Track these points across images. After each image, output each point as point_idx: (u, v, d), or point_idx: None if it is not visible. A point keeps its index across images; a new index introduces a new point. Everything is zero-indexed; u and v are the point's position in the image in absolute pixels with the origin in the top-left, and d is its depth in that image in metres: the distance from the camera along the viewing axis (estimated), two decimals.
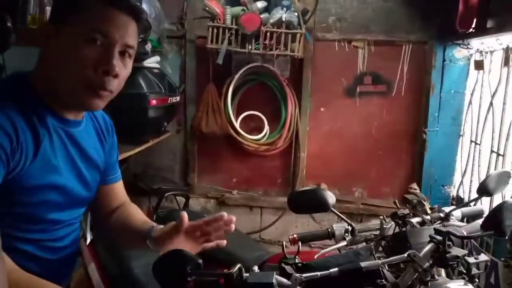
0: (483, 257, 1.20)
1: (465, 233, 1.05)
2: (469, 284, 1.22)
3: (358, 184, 2.85)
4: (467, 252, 1.01)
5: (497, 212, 0.96)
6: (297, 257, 1.09)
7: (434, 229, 1.06)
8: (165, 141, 2.78)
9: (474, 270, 1.21)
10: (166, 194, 2.50)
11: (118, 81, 0.89)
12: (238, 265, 0.90)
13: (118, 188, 1.13)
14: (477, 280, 1.19)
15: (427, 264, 0.98)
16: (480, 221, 1.16)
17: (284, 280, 0.92)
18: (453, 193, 2.48)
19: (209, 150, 2.95)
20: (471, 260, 1.18)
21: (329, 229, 1.42)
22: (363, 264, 0.96)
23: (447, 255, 0.97)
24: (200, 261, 0.88)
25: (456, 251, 0.98)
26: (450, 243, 0.99)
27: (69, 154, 0.92)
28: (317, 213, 2.78)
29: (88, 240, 1.63)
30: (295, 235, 1.45)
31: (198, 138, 2.91)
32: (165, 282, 0.89)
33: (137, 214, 1.14)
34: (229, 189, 2.98)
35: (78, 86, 0.85)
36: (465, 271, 1.24)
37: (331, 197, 1.36)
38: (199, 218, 1.06)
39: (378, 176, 2.82)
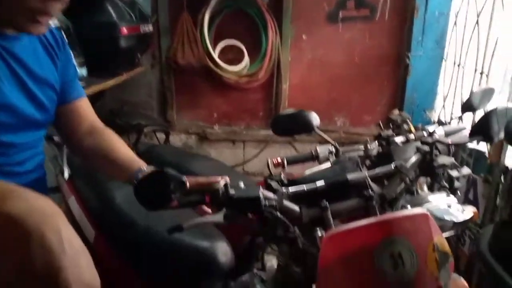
0: (465, 170, 1.21)
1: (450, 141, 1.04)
2: (451, 195, 1.24)
3: (340, 113, 2.83)
4: (453, 160, 1.00)
5: (486, 118, 0.95)
6: (282, 174, 1.07)
7: (421, 141, 1.05)
8: (141, 76, 2.66)
9: (456, 184, 1.23)
10: (145, 130, 2.44)
11: (61, 3, 0.80)
12: (224, 181, 0.87)
13: (83, 107, 1.06)
14: (459, 193, 1.21)
15: (413, 174, 0.97)
16: (465, 132, 1.15)
17: (271, 195, 0.90)
18: (435, 118, 2.49)
19: (188, 85, 2.84)
20: (454, 173, 1.19)
21: (313, 152, 1.40)
22: (349, 176, 0.94)
23: (434, 163, 0.96)
24: (184, 179, 0.84)
25: (443, 159, 0.98)
26: (437, 152, 0.99)
27: (13, 71, 0.85)
28: (300, 143, 2.80)
29: (66, 176, 1.58)
30: (279, 158, 1.43)
31: (175, 72, 2.79)
32: (148, 203, 0.86)
33: (121, 148, 1.07)
34: (210, 124, 2.93)
35: (19, 10, 0.77)
36: (447, 186, 1.25)
37: (315, 119, 1.33)
38: (181, 154, 1.02)
39: (361, 104, 2.80)
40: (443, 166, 0.97)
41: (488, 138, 0.96)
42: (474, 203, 1.76)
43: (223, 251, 1.26)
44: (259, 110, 2.89)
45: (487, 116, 0.94)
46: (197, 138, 2.90)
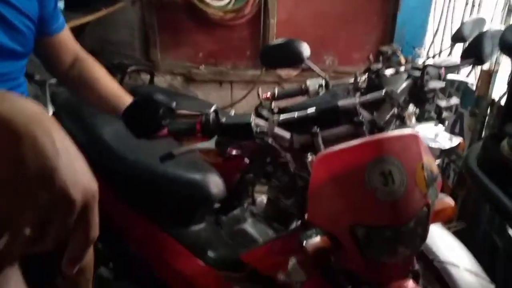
0: (454, 100, 1.21)
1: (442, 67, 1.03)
2: (439, 124, 1.25)
3: (329, 52, 2.78)
4: (444, 84, 1.00)
5: (478, 39, 0.94)
6: (273, 104, 1.06)
7: (412, 66, 1.04)
8: (121, 14, 2.53)
9: (444, 114, 1.24)
10: (128, 70, 2.36)
11: None
12: (214, 107, 0.86)
13: (65, 38, 1.02)
14: (446, 124, 1.22)
15: (403, 99, 0.97)
16: (455, 59, 1.14)
17: (262, 122, 0.89)
18: (424, 54, 2.47)
19: (171, 23, 2.72)
20: (442, 103, 1.20)
21: (303, 85, 1.39)
22: (340, 102, 0.94)
23: (425, 88, 0.96)
24: (174, 104, 0.83)
25: (434, 83, 0.97)
26: (428, 77, 0.98)
27: None
28: (289, 83, 2.76)
29: (50, 114, 1.54)
30: (268, 93, 1.41)
31: (157, 9, 2.66)
32: (137, 130, 0.84)
33: (105, 78, 1.06)
34: (195, 64, 2.85)
35: None
36: (435, 116, 1.26)
37: (305, 49, 1.29)
38: (167, 95, 0.99)
39: (349, 42, 2.74)
40: (434, 90, 0.96)
41: (479, 60, 0.95)
42: (460, 136, 1.79)
43: (215, 183, 1.28)
44: (246, 48, 2.81)
45: (479, 38, 0.93)
46: (183, 79, 2.84)
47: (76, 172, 0.39)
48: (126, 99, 1.01)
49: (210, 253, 1.21)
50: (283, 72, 2.68)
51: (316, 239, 0.79)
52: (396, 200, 0.72)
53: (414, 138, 0.78)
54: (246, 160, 1.74)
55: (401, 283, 0.87)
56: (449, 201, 0.89)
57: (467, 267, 1.15)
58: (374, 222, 0.73)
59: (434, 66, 0.99)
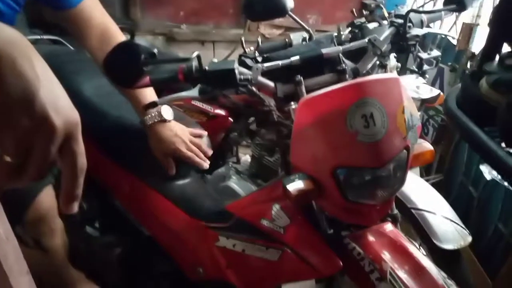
0: (435, 52, 1.22)
1: (424, 16, 1.03)
2: (420, 77, 1.27)
3: (313, 11, 2.74)
4: (427, 31, 1.01)
5: None
6: (256, 53, 1.05)
7: (395, 14, 1.04)
8: None
9: (425, 67, 1.25)
10: None
11: None
12: (196, 53, 0.85)
13: (87, 10, 1.00)
14: (427, 76, 1.24)
15: (386, 47, 0.98)
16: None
17: (246, 70, 0.89)
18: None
19: None
20: (424, 55, 1.21)
21: (287, 39, 1.37)
22: (324, 50, 0.94)
23: (407, 35, 0.96)
24: (155, 50, 0.81)
25: (416, 30, 0.98)
26: (410, 24, 0.98)
27: None
28: (272, 41, 2.72)
29: None
30: (252, 47, 1.40)
31: None
32: (118, 77, 0.83)
33: None
34: (177, 23, 2.77)
35: None
36: (416, 70, 1.27)
37: (289, 1, 1.27)
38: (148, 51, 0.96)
39: (333, 0, 2.70)
40: (417, 37, 0.97)
41: (461, 6, 0.96)
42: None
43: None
44: (228, 6, 2.75)
45: None
46: (164, 39, 2.77)
47: (57, 98, 0.38)
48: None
49: (196, 206, 1.23)
50: (267, 31, 2.64)
51: (300, 183, 0.81)
52: (377, 142, 0.74)
53: (396, 81, 0.79)
54: (230, 120, 1.75)
55: (380, 226, 0.91)
56: (428, 145, 0.92)
57: (444, 214, 1.20)
58: (356, 163, 0.75)
59: (416, 11, 0.99)
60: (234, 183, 1.41)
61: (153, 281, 1.18)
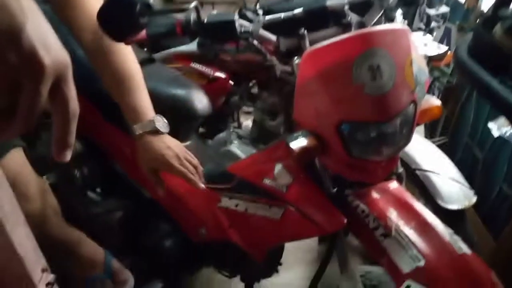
0: (443, 9, 1.17)
1: None
2: (427, 34, 1.22)
3: None
4: None
5: None
6: (257, 5, 1.01)
7: None
8: None
9: (433, 24, 1.20)
10: None
11: None
12: (194, 3, 0.80)
13: None
14: (435, 33, 1.19)
15: (393, 1, 0.93)
16: None
17: (246, 23, 0.85)
18: None
19: None
20: (431, 11, 1.15)
21: None
22: (328, 2, 0.89)
23: None
24: (151, 1, 0.77)
25: None
26: None
27: None
28: None
29: None
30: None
31: None
32: (113, 30, 0.79)
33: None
34: None
35: None
36: (424, 26, 1.22)
37: None
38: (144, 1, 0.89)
39: None
40: None
41: None
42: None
43: (199, 98, 1.24)
44: None
45: None
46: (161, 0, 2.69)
47: (45, 35, 0.36)
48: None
49: None
50: None
51: (303, 140, 0.79)
52: (384, 94, 0.71)
53: (404, 32, 0.75)
54: (231, 83, 1.71)
55: (385, 183, 0.89)
56: (435, 101, 0.88)
57: (448, 175, 1.18)
58: (361, 117, 0.73)
59: None
60: (235, 148, 1.39)
61: (155, 243, 1.18)
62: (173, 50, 0.88)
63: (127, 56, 0.93)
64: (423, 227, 0.75)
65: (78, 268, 1.07)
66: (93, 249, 1.10)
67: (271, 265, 1.15)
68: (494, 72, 0.60)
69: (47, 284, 0.49)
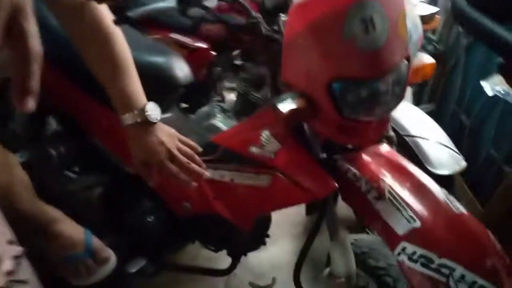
0: None
1: None
2: None
3: None
4: None
5: None
6: None
7: None
8: None
9: None
10: None
11: None
12: None
13: None
14: None
15: None
16: None
17: None
18: None
19: None
20: None
21: None
22: None
23: None
24: None
25: None
26: None
27: None
28: None
29: None
30: None
31: None
32: None
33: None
34: None
35: None
36: None
37: None
38: None
39: None
40: None
41: None
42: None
43: (179, 66, 1.18)
44: None
45: None
46: None
47: None
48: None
49: None
50: None
51: (291, 102, 0.74)
52: (377, 49, 0.66)
53: None
54: (213, 53, 1.64)
55: (376, 147, 0.86)
56: (429, 58, 0.85)
57: (437, 140, 1.16)
58: (353, 73, 0.68)
59: None
60: (219, 121, 1.33)
61: (137, 219, 1.13)
62: (150, 7, 0.82)
63: (116, 39, 0.85)
64: (418, 188, 0.73)
65: (56, 247, 1.02)
66: (71, 228, 1.05)
67: (258, 237, 1.12)
68: (499, 19, 0.56)
69: (15, 257, 0.44)
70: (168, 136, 0.85)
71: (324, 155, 0.86)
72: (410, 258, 0.65)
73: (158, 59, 1.15)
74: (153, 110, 0.82)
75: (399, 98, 0.77)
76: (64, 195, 1.27)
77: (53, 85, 1.17)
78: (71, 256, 1.01)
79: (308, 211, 1.06)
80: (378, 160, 0.81)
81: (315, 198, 0.79)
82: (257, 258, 1.65)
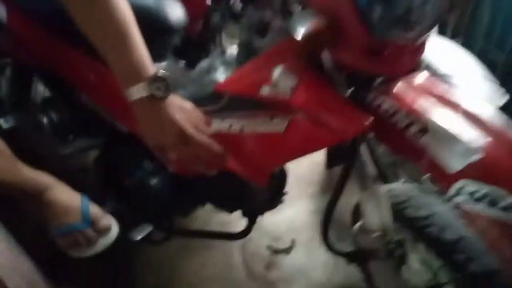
0: None
1: None
2: None
3: None
4: None
5: None
6: None
7: None
8: None
9: None
10: None
11: None
12: None
13: None
14: None
15: None
16: None
17: None
18: None
19: None
20: None
21: None
22: None
23: None
24: None
25: None
26: None
27: None
28: None
29: None
30: None
31: None
32: None
33: None
34: None
35: None
36: None
37: None
38: None
39: None
40: None
41: None
42: None
43: (172, 8, 1.04)
44: None
45: None
46: None
47: None
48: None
49: (179, 91, 1.03)
50: None
51: (309, 22, 0.60)
52: None
53: None
54: (208, 1, 1.48)
55: (412, 76, 0.72)
56: None
57: (477, 73, 1.02)
58: None
59: None
60: (221, 75, 1.19)
61: (139, 183, 1.01)
62: None
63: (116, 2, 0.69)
64: (471, 116, 0.59)
65: (51, 217, 0.91)
66: (66, 194, 0.94)
67: (276, 194, 1.00)
68: None
69: None
70: (182, 112, 0.68)
71: (349, 92, 0.72)
72: (470, 198, 0.52)
73: (149, 1, 1.00)
74: (162, 82, 0.65)
75: (437, 16, 0.62)
76: (57, 161, 1.16)
77: (35, 40, 1.03)
78: (67, 226, 0.90)
79: (330, 163, 0.94)
80: (417, 89, 0.67)
81: (344, 138, 0.65)
82: (273, 221, 1.55)
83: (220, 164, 0.69)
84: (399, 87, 0.69)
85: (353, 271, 1.33)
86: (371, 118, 0.64)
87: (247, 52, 1.19)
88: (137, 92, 0.65)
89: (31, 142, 1.16)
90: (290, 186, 1.05)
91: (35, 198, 0.90)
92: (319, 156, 1.92)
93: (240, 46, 1.22)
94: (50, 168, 1.05)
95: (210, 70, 1.20)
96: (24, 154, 0.93)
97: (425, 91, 0.66)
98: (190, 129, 0.67)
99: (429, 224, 0.74)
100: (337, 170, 1.87)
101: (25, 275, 0.72)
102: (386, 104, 0.66)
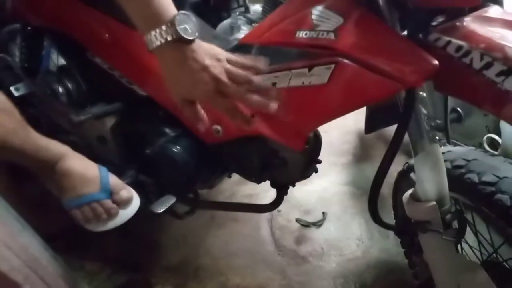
0: None
1: None
2: None
3: None
4: None
5: None
6: None
7: None
8: None
9: None
10: None
11: None
12: None
13: None
14: None
15: None
16: None
17: None
18: None
19: None
20: None
21: None
22: None
23: None
24: None
25: None
26: None
27: None
28: None
29: None
30: None
31: None
32: None
33: None
34: None
35: None
36: None
37: None
38: None
39: None
40: None
41: None
42: None
43: None
44: None
45: None
46: None
47: None
48: None
49: None
50: None
51: None
52: None
53: None
54: None
55: (483, 10, 0.59)
56: None
57: None
58: None
59: None
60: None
61: (160, 151, 0.92)
62: None
63: None
64: None
65: (67, 187, 0.84)
66: (82, 163, 0.86)
67: (310, 161, 0.89)
68: None
69: None
70: (211, 57, 0.58)
71: (405, 32, 0.60)
72: None
73: None
74: (186, 24, 0.55)
75: None
76: (73, 129, 1.08)
77: None
78: (85, 197, 0.83)
79: (371, 126, 0.82)
80: (491, 25, 0.55)
81: (406, 85, 0.54)
82: (302, 193, 1.46)
83: (264, 109, 0.57)
84: (467, 24, 0.57)
85: (388, 245, 1.23)
86: (436, 62, 0.52)
87: (272, 8, 1.07)
88: (160, 36, 0.55)
89: (44, 110, 1.08)
90: (320, 155, 0.95)
91: (48, 167, 0.83)
92: (350, 123, 1.81)
93: (265, 2, 1.10)
94: (65, 138, 0.97)
95: (234, 29, 1.09)
96: (36, 124, 0.86)
97: (503, 24, 0.54)
98: (222, 76, 0.56)
99: (497, 191, 0.63)
100: (370, 138, 1.76)
101: (23, 252, 0.65)
102: (455, 43, 0.54)
